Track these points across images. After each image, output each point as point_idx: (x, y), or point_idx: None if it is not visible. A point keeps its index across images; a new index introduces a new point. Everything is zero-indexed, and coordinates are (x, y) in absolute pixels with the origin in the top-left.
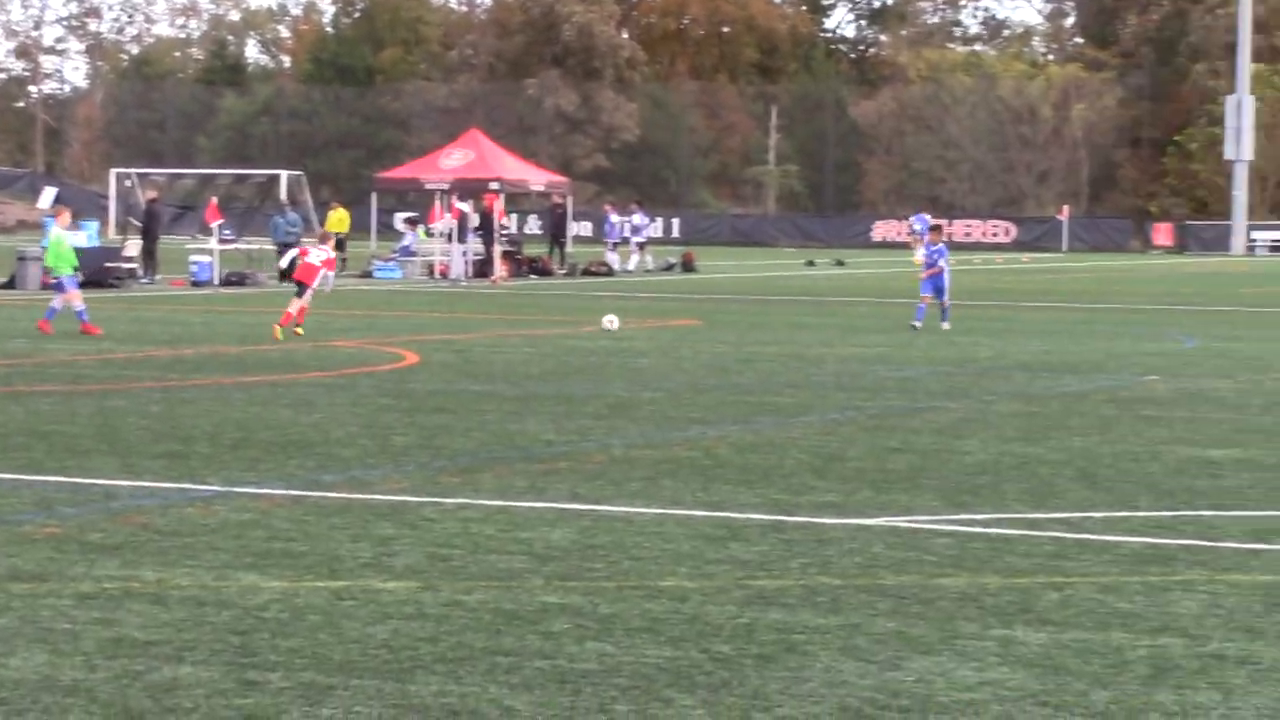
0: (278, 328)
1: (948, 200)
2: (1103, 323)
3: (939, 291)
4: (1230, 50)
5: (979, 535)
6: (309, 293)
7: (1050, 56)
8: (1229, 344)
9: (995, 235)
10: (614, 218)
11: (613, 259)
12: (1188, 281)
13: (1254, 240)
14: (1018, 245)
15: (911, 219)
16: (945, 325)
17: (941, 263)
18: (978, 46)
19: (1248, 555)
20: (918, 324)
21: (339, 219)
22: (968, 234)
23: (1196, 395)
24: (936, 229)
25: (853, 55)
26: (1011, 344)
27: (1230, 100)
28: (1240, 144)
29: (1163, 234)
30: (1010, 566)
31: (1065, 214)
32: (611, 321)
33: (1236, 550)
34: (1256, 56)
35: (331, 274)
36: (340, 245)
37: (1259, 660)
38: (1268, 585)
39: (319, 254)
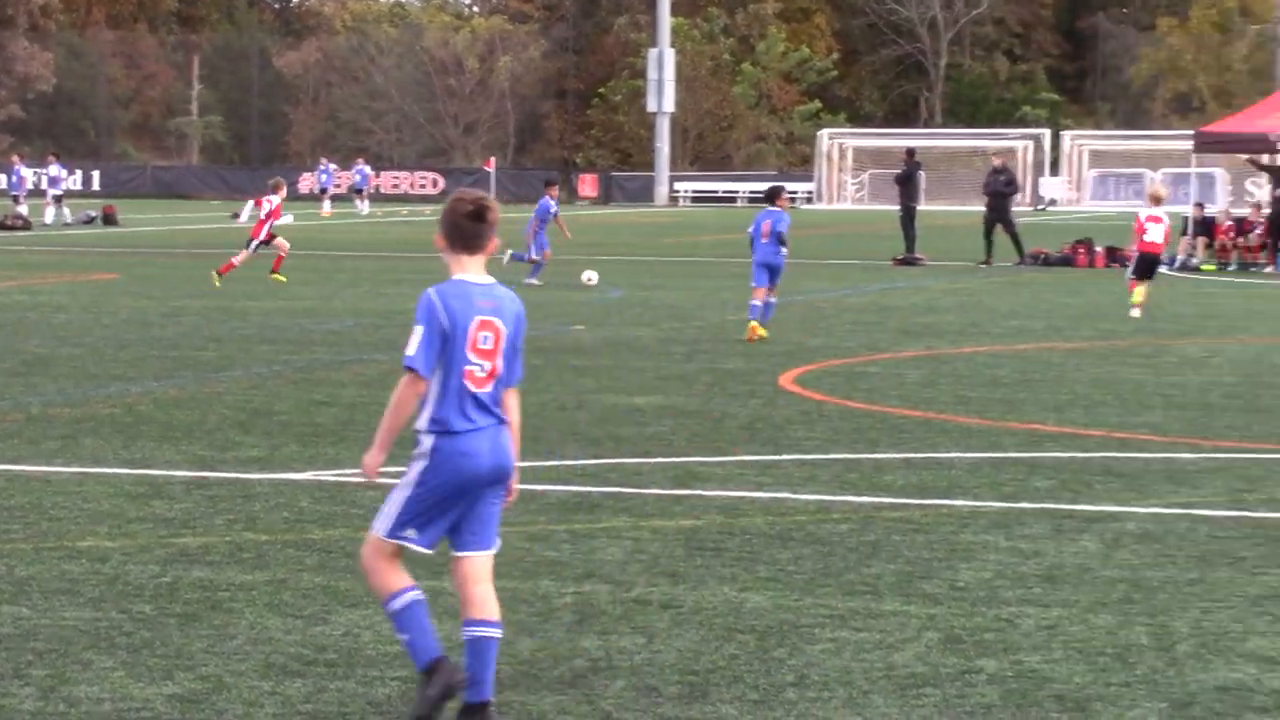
0: None
1: (375, 151)
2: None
3: None
4: (651, 4)
5: None
6: None
7: (475, 9)
8: (652, 293)
9: (424, 186)
10: (22, 170)
11: (23, 210)
12: (613, 232)
13: (677, 191)
14: (446, 197)
15: (319, 171)
16: None
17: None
18: None
19: (671, 501)
20: None
21: None
22: (395, 185)
23: (621, 344)
24: None
25: (277, 5)
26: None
27: (652, 53)
28: (662, 96)
29: (588, 185)
30: None
31: (492, 165)
32: (591, 278)
33: (660, 496)
34: (676, 10)
35: None
36: None
37: (680, 604)
38: (689, 530)
39: None
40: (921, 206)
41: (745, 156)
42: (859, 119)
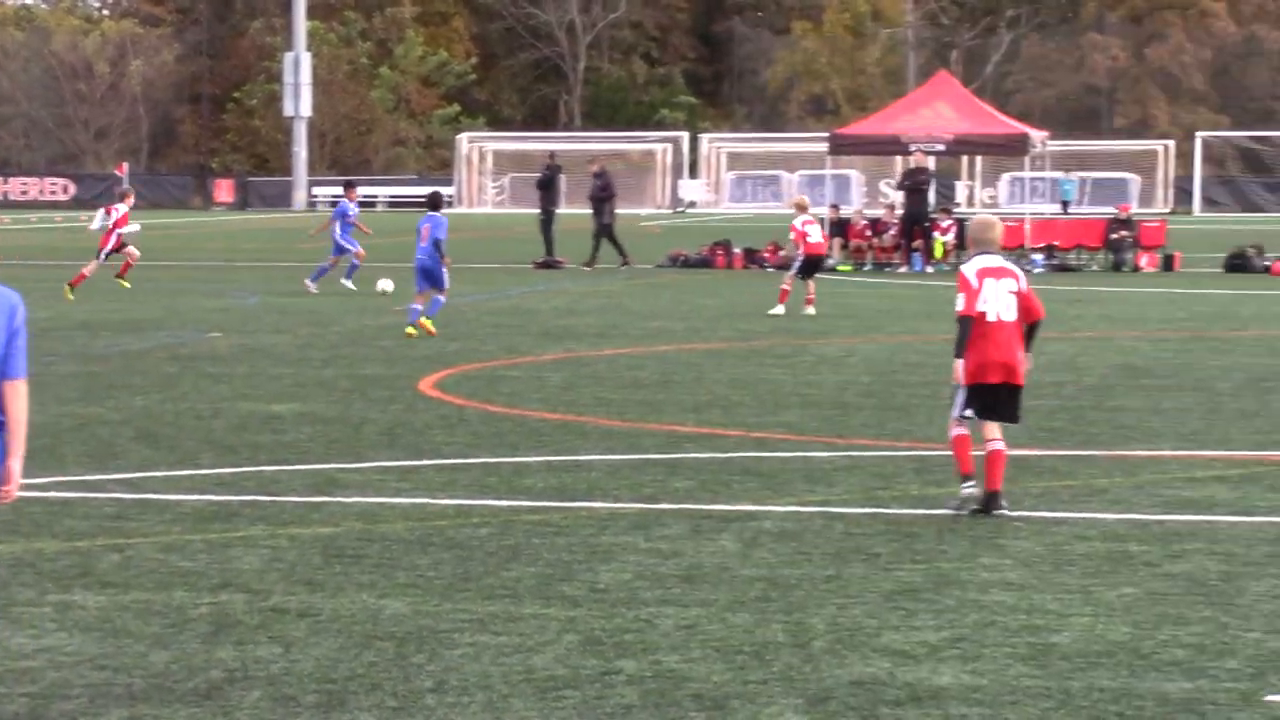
0: None
1: (3, 157)
2: (164, 280)
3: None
4: (287, 7)
5: (35, 500)
6: None
7: (105, 12)
8: (290, 299)
9: (54, 193)
10: None
11: None
12: (250, 238)
13: (315, 196)
14: (78, 203)
15: None
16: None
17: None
18: (29, 0)
19: (308, 509)
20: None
21: None
22: (24, 192)
23: (258, 350)
24: None
25: None
26: (71, 305)
27: (288, 57)
28: (299, 100)
29: (224, 190)
30: (69, 530)
31: (124, 170)
32: (386, 286)
33: (297, 504)
34: (312, 13)
35: None
36: None
37: (318, 612)
38: (327, 537)
39: None
40: (562, 210)
41: (384, 161)
42: (499, 122)
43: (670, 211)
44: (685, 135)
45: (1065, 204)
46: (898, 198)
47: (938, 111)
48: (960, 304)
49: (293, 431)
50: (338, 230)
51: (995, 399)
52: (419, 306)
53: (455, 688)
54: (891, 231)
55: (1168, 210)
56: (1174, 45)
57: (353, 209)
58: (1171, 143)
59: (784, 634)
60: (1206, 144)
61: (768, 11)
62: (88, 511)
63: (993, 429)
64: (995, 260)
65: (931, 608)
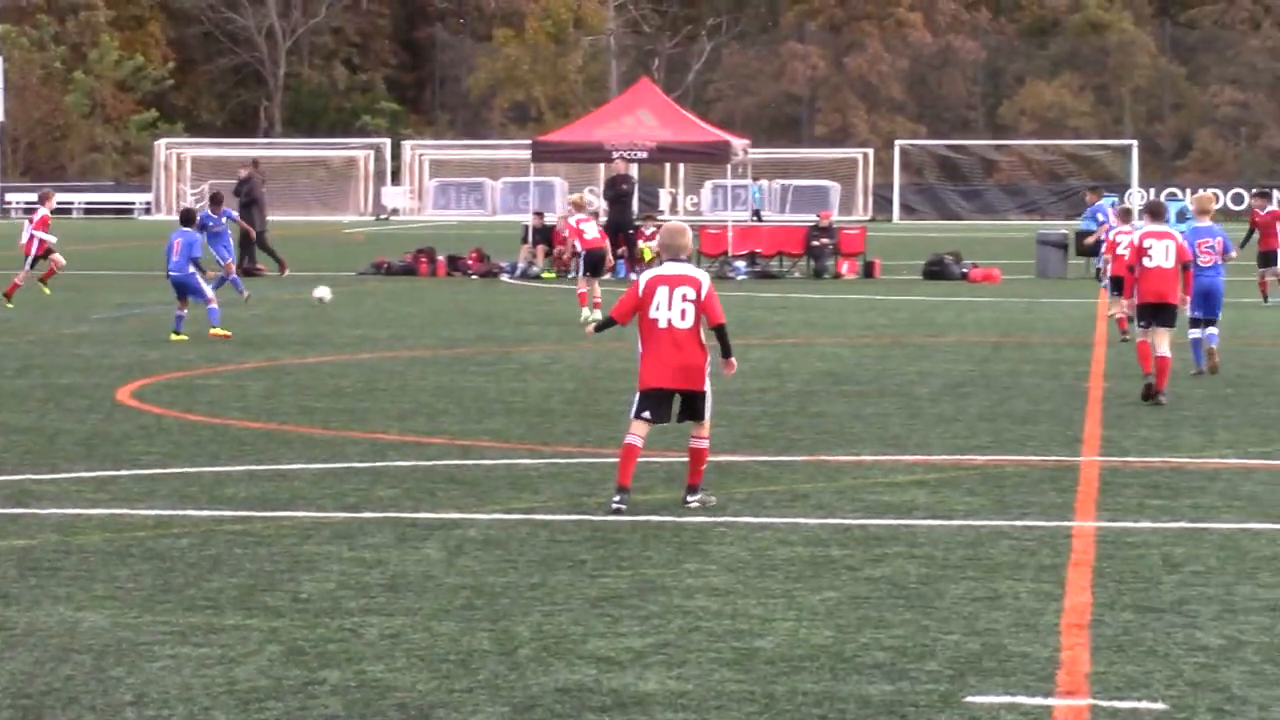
0: None
1: None
2: None
3: None
4: None
5: None
6: None
7: None
8: None
9: None
10: None
11: None
12: None
13: (9, 202)
14: None
15: None
16: None
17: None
18: None
19: (4, 521)
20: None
21: None
22: None
23: None
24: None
25: None
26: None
27: None
28: None
29: None
30: None
31: None
32: (324, 293)
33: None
34: (4, 17)
35: None
36: None
37: (13, 626)
38: (22, 550)
39: None
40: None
41: (80, 167)
42: (197, 128)
43: (373, 219)
44: (388, 142)
45: (757, 212)
46: (602, 205)
47: (640, 119)
48: (616, 306)
49: None
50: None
51: (671, 403)
52: (182, 313)
53: (155, 700)
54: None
55: (867, 218)
56: (872, 54)
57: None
58: (870, 151)
59: (490, 642)
60: (904, 152)
61: (469, 18)
62: None
63: (698, 429)
64: (678, 268)
65: (636, 614)
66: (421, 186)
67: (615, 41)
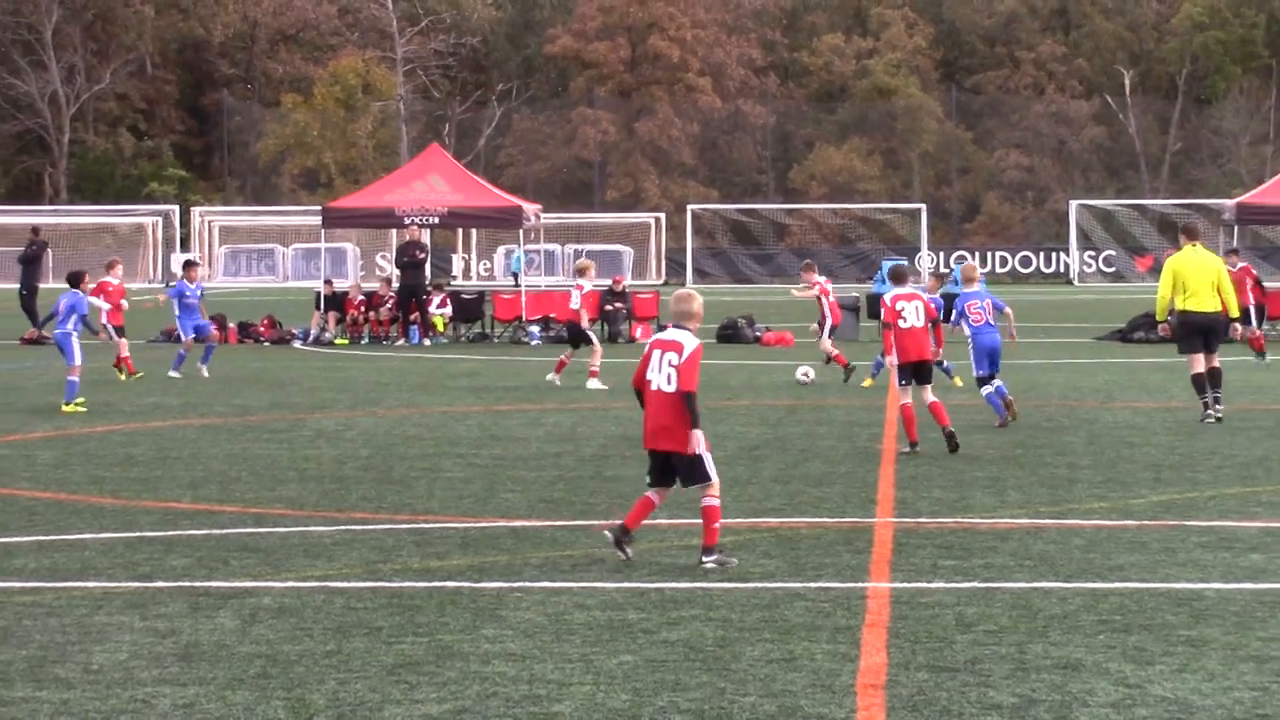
0: None
1: None
2: None
3: None
4: None
5: None
6: None
7: None
8: None
9: None
10: None
11: None
12: None
13: None
14: None
15: None
16: None
17: None
18: None
19: None
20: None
21: None
22: None
23: None
24: None
25: None
26: None
27: None
28: None
29: None
30: None
31: None
32: (807, 374)
33: None
34: None
35: None
36: None
37: None
38: None
39: None
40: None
41: None
42: None
43: (162, 286)
44: (176, 209)
45: (515, 275)
46: (394, 271)
47: (431, 184)
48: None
49: None
50: (175, 310)
51: (665, 464)
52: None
53: None
54: (388, 305)
55: (661, 282)
56: (662, 119)
57: (190, 289)
58: (663, 215)
59: (285, 711)
60: (696, 216)
61: (257, 84)
62: None
63: (704, 489)
64: (672, 334)
65: (434, 680)
66: (211, 253)
67: (405, 107)
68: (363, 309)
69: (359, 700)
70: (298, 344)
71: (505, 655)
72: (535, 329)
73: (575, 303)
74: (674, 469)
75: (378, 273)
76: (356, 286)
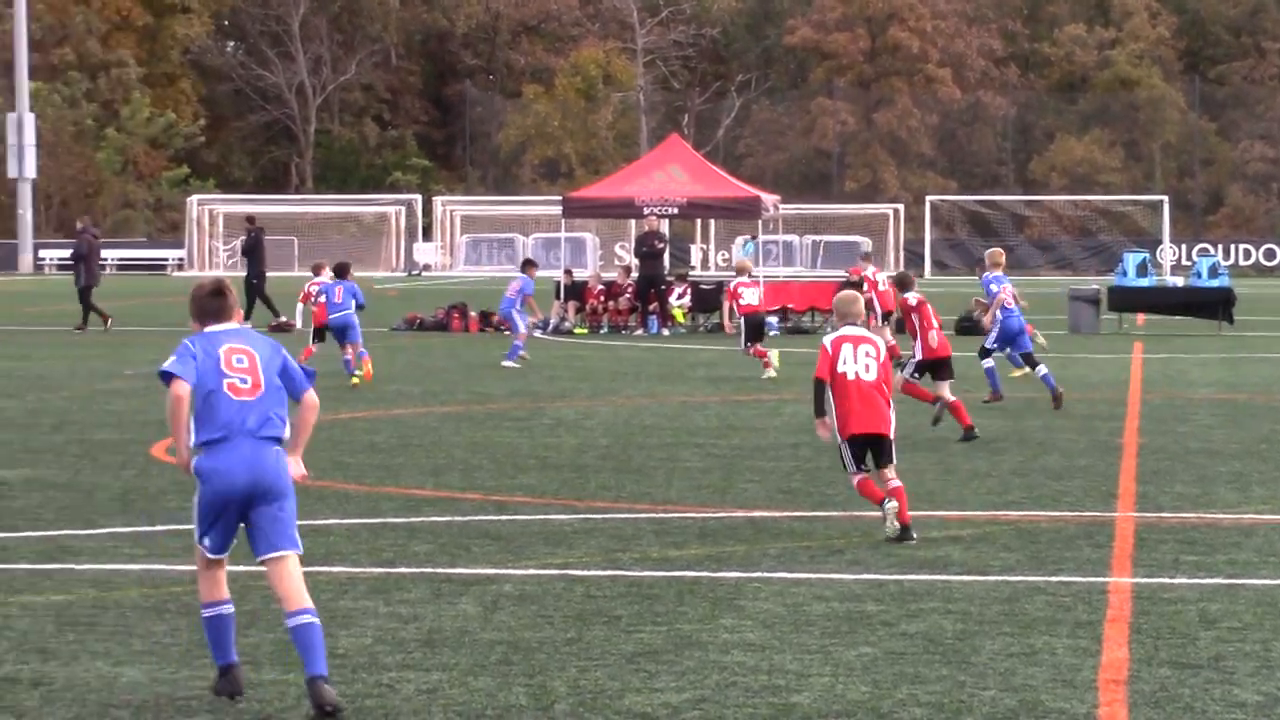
0: None
1: None
2: None
3: None
4: (8, 67)
5: None
6: None
7: None
8: (16, 363)
9: None
10: None
11: None
12: None
13: (43, 258)
14: None
15: None
16: None
17: None
18: None
19: (39, 576)
20: None
21: None
22: None
23: None
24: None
25: None
26: None
27: (10, 118)
28: (23, 163)
29: None
30: None
31: None
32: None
33: (28, 572)
34: (35, 74)
35: None
36: None
37: (52, 681)
38: (60, 605)
39: None
40: (289, 274)
41: (112, 223)
42: (229, 185)
43: (405, 274)
44: (419, 198)
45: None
46: (633, 261)
47: (670, 175)
48: (816, 369)
49: (22, 498)
50: (518, 305)
51: (869, 446)
52: (350, 357)
53: None
54: (627, 295)
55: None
56: (901, 110)
57: (532, 287)
58: (901, 206)
59: (526, 697)
60: (935, 207)
61: (499, 75)
62: None
63: (888, 470)
64: (854, 330)
65: (673, 669)
66: (453, 242)
67: (645, 98)
68: (602, 298)
69: (599, 688)
70: (537, 333)
71: (744, 645)
72: (773, 319)
73: (755, 298)
74: (878, 450)
75: (616, 262)
76: (596, 276)
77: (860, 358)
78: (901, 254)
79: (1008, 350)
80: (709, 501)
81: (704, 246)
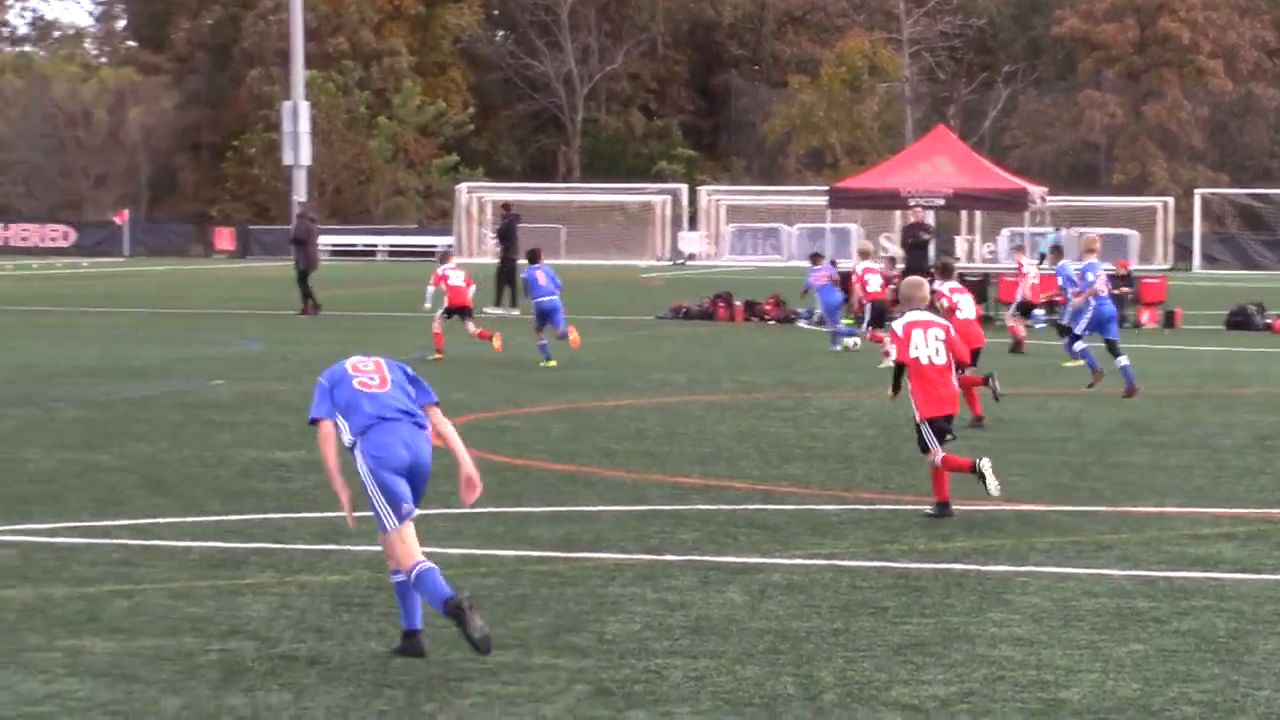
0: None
1: (3, 204)
2: (167, 328)
3: None
4: (284, 56)
5: (44, 545)
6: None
7: (103, 59)
8: (293, 347)
9: (55, 239)
10: None
11: None
12: (250, 285)
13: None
14: (78, 249)
15: None
16: None
17: None
18: (27, 48)
19: (317, 556)
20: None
21: None
22: (25, 239)
23: (261, 398)
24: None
25: None
26: (74, 350)
27: (286, 106)
28: (298, 149)
29: (225, 238)
30: (77, 575)
31: (124, 218)
32: (855, 344)
33: (307, 551)
34: (310, 63)
35: None
36: None
37: (329, 660)
38: (335, 585)
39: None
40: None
41: (384, 210)
42: (497, 173)
43: (670, 264)
44: (684, 187)
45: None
46: (898, 252)
47: (936, 166)
48: (894, 353)
49: (299, 479)
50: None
51: (947, 425)
52: (545, 341)
53: None
54: (893, 285)
55: (1167, 266)
56: (1171, 102)
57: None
58: (1170, 199)
59: (794, 686)
60: (1205, 201)
61: (765, 65)
62: (95, 558)
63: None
64: (922, 315)
65: (940, 662)
66: (718, 232)
67: (910, 89)
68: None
69: (866, 679)
70: (802, 324)
71: (1012, 639)
72: (1039, 311)
73: (877, 285)
74: (946, 428)
75: (880, 254)
76: (890, 261)
77: (931, 341)
78: (1170, 247)
79: (1071, 341)
80: (975, 494)
81: (969, 238)
